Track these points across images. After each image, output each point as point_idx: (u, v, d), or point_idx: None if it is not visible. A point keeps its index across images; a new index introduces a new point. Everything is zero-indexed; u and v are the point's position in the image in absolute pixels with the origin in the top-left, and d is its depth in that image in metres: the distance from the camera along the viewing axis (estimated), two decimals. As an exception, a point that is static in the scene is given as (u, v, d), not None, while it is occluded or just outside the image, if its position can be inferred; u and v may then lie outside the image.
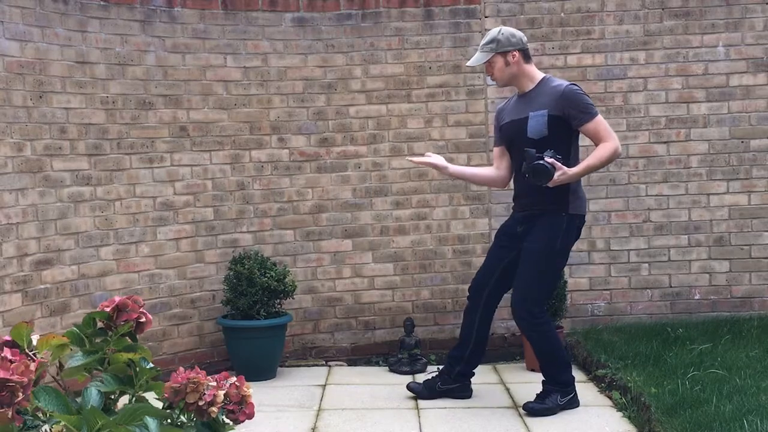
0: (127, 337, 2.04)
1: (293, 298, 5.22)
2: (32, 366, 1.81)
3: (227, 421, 1.94)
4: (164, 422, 1.86)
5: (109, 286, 4.79)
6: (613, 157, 4.18)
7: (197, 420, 1.90)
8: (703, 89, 5.56)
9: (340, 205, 5.51)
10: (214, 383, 1.90)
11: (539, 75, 4.30)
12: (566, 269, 5.37)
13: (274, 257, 5.31)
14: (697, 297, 5.62)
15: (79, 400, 1.89)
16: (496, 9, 5.50)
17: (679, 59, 5.55)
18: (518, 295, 4.25)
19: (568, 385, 4.27)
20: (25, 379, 1.75)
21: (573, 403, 4.26)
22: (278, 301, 5.09)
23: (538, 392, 4.28)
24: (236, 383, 1.94)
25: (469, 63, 4.43)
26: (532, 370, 5.00)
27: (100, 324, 2.05)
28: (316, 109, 5.47)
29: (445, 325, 5.57)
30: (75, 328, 2.04)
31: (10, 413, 1.72)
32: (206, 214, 5.25)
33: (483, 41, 4.32)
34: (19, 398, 1.74)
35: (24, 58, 4.39)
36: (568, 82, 4.25)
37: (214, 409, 1.86)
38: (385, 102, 5.51)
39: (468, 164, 5.41)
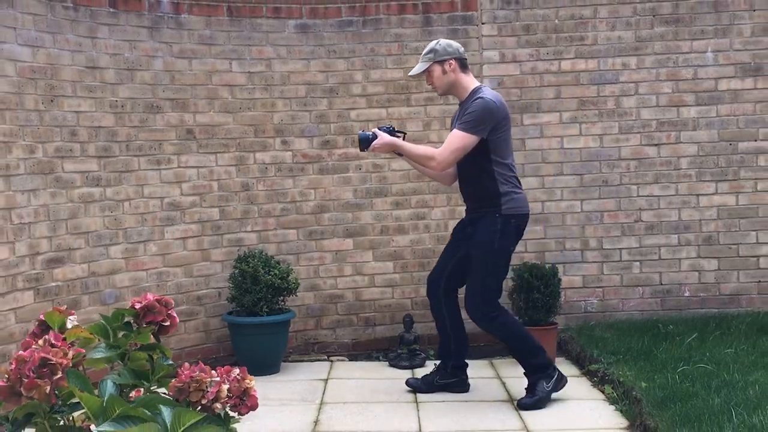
0: (151, 335, 2.16)
1: (296, 296, 5.31)
2: (70, 353, 1.93)
3: (232, 414, 1.99)
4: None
5: (118, 283, 4.89)
6: (425, 161, 4.34)
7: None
8: (693, 93, 5.67)
9: (341, 206, 5.63)
10: (218, 378, 1.94)
11: (473, 85, 4.39)
12: (560, 267, 5.47)
13: (277, 256, 5.39)
14: (686, 294, 5.72)
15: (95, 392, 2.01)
16: (493, 16, 5.62)
17: (670, 64, 5.67)
18: (468, 298, 4.39)
19: (548, 367, 4.33)
20: (64, 362, 1.88)
21: (560, 382, 4.34)
22: (282, 298, 5.17)
23: (526, 386, 4.36)
24: (238, 377, 1.98)
25: (410, 73, 4.56)
26: (528, 365, 5.09)
27: (127, 318, 2.18)
28: (318, 113, 5.58)
29: (443, 321, 5.68)
30: (103, 321, 2.18)
31: (48, 388, 1.84)
32: (212, 214, 5.35)
33: (423, 52, 4.45)
34: (58, 376, 1.86)
35: (36, 63, 4.47)
36: (485, 97, 4.26)
37: (218, 405, 1.92)
38: (385, 106, 5.62)
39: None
